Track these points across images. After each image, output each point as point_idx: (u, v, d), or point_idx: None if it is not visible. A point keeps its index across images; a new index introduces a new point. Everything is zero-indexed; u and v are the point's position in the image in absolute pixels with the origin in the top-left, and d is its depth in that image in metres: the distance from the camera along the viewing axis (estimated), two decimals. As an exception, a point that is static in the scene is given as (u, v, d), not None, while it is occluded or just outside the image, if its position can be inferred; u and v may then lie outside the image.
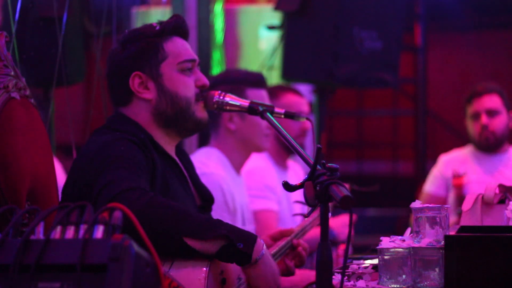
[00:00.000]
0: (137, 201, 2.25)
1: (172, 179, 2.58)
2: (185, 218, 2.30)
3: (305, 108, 4.47)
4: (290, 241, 2.84)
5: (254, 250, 2.34)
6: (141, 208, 2.24)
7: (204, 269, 2.32)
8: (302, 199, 4.23)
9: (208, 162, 3.66)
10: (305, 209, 3.38)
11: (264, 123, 3.68)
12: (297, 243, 2.83)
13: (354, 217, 4.46)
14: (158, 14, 5.56)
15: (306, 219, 3.05)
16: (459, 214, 4.26)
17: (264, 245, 2.39)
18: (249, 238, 2.34)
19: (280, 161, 4.44)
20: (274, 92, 4.36)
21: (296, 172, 4.61)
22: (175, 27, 2.67)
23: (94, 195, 2.33)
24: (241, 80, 3.71)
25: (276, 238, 2.87)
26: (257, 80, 3.73)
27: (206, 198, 2.77)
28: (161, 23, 2.68)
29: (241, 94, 3.41)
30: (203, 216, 2.39)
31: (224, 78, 3.75)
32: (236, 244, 2.30)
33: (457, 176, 4.73)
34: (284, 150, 4.41)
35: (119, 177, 2.33)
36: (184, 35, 2.70)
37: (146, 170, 2.45)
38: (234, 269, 2.42)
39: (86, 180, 2.43)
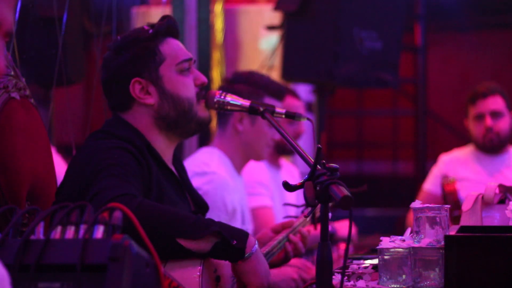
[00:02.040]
0: (127, 206, 2.25)
1: (167, 186, 2.58)
2: (177, 220, 2.31)
3: (301, 111, 4.48)
4: (288, 235, 2.87)
5: (246, 245, 2.36)
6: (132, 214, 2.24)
7: (199, 267, 2.33)
8: (294, 200, 4.26)
9: (210, 162, 3.67)
10: (298, 211, 3.40)
11: (270, 133, 3.70)
12: (294, 239, 2.86)
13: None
14: (158, 14, 5.56)
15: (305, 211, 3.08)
16: (455, 218, 4.27)
17: (256, 242, 2.41)
18: (241, 235, 2.36)
19: (272, 160, 4.45)
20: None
21: (290, 171, 4.62)
22: (168, 28, 2.66)
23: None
24: (263, 86, 3.72)
25: (277, 230, 2.89)
26: (277, 91, 3.74)
27: (200, 205, 2.78)
28: (153, 26, 2.66)
29: (257, 100, 3.41)
30: (194, 215, 2.40)
31: (246, 79, 3.76)
32: (229, 241, 2.32)
33: (448, 182, 4.72)
34: (275, 151, 4.42)
35: (108, 185, 2.34)
36: (176, 35, 2.70)
37: (138, 177, 2.45)
38: (228, 267, 2.43)
39: (79, 186, 2.43)
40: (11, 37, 2.94)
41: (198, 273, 2.32)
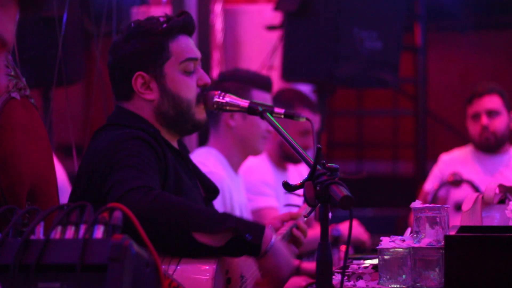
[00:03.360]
0: (143, 199, 2.25)
1: (182, 173, 2.59)
2: (193, 213, 2.29)
3: (317, 124, 4.47)
4: (291, 228, 2.83)
5: (263, 241, 2.31)
6: (148, 206, 2.24)
7: (212, 269, 2.30)
8: (299, 200, 4.25)
9: (207, 162, 3.67)
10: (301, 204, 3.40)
11: (264, 125, 3.70)
12: (296, 234, 2.83)
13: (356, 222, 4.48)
14: (158, 14, 5.55)
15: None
16: None
17: (274, 234, 2.38)
18: (258, 229, 2.32)
19: (279, 163, 4.44)
20: (291, 102, 4.31)
21: (298, 171, 4.61)
22: (183, 26, 2.64)
23: (103, 195, 2.34)
24: (249, 80, 3.73)
25: (285, 220, 2.85)
26: (264, 83, 3.75)
27: (210, 190, 2.77)
28: (168, 19, 2.63)
29: (246, 94, 3.43)
30: (210, 209, 2.39)
31: (232, 76, 3.78)
32: (244, 236, 2.29)
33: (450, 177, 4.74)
34: (282, 156, 4.41)
35: (125, 177, 2.33)
36: (190, 33, 2.68)
37: (155, 167, 2.45)
38: (237, 268, 2.42)
39: (96, 179, 2.43)
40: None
41: (211, 275, 2.30)
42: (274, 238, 2.36)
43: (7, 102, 2.47)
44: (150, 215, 2.22)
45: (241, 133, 3.75)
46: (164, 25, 2.61)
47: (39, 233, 1.73)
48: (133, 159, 2.39)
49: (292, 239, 2.82)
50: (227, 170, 3.73)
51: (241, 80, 3.71)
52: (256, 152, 3.82)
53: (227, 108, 2.64)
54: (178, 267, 2.31)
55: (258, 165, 4.23)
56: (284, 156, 4.38)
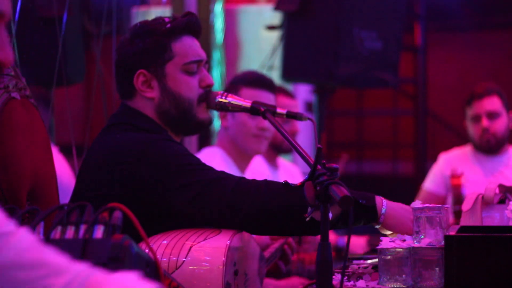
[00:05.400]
0: (260, 188, 2.43)
1: None
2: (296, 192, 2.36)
3: (296, 110, 4.50)
4: (284, 243, 2.88)
5: (376, 204, 2.41)
6: (264, 194, 2.42)
7: (223, 258, 2.31)
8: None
9: (212, 161, 3.67)
10: None
11: (253, 123, 3.71)
12: (287, 251, 2.94)
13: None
14: (158, 14, 5.54)
15: None
16: (456, 212, 4.26)
17: (384, 200, 2.45)
18: (368, 196, 2.43)
19: (271, 161, 4.46)
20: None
21: (289, 170, 4.62)
22: (186, 26, 2.65)
23: (179, 198, 2.41)
24: (237, 79, 3.79)
25: (275, 238, 2.90)
26: (253, 80, 3.75)
27: None
28: (173, 19, 2.65)
29: (234, 92, 3.45)
30: None
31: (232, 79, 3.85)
32: (360, 202, 2.38)
33: (455, 175, 4.72)
34: (273, 150, 4.43)
35: (218, 175, 2.49)
36: (196, 34, 2.68)
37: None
38: (242, 263, 2.43)
39: (141, 182, 2.43)
40: (11, 37, 2.94)
41: (222, 263, 2.31)
42: (385, 202, 2.44)
43: (7, 102, 2.47)
44: (264, 201, 2.40)
45: (232, 133, 3.78)
46: (168, 25, 2.62)
47: (39, 233, 1.73)
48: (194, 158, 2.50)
49: (282, 255, 2.86)
50: (232, 169, 3.73)
51: (231, 81, 3.80)
52: (250, 151, 3.82)
53: (230, 108, 2.64)
54: (189, 255, 2.31)
55: (254, 167, 4.24)
56: (275, 148, 4.42)
